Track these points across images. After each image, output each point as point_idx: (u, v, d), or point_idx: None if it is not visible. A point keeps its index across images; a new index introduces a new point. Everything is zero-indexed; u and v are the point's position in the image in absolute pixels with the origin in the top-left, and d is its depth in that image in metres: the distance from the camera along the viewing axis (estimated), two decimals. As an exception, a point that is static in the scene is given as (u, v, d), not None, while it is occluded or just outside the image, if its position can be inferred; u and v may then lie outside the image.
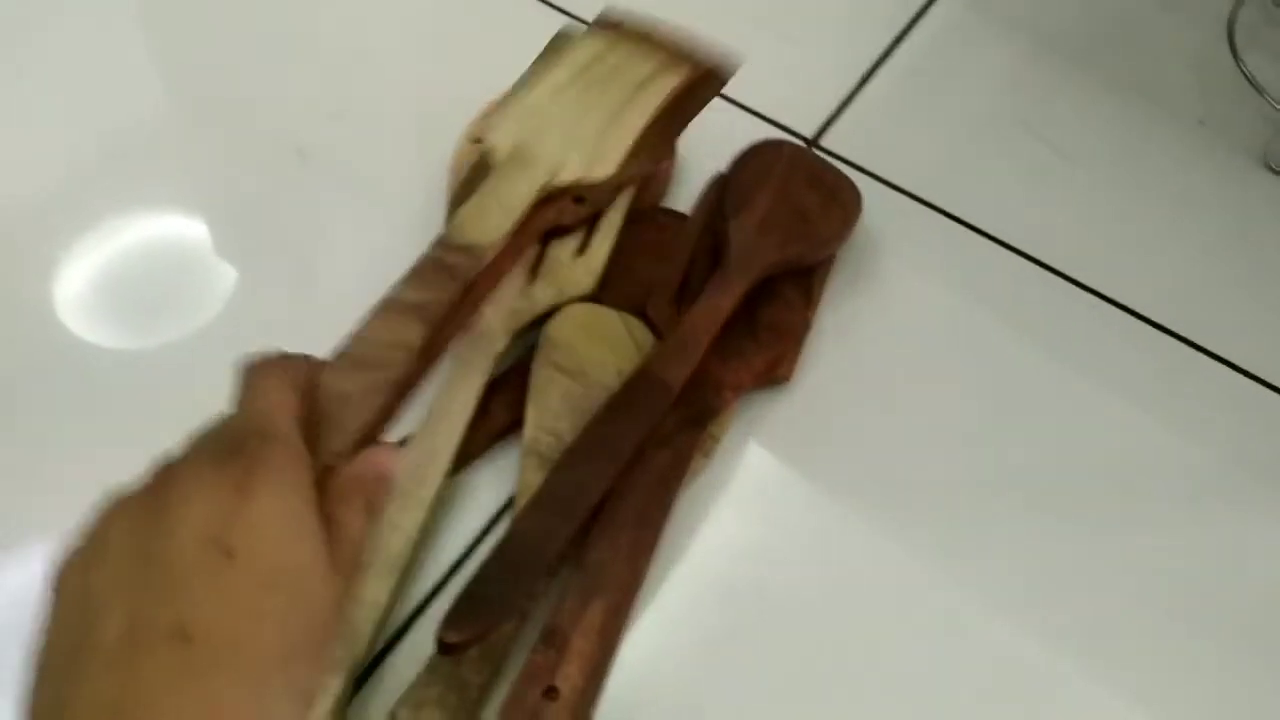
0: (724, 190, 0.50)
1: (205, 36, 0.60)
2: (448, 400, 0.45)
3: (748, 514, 0.45)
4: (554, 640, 0.39)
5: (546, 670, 0.38)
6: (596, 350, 0.46)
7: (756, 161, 0.51)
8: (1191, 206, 0.56)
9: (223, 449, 0.28)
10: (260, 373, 0.31)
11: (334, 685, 0.39)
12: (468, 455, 0.45)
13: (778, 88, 0.58)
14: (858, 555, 0.44)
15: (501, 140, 0.39)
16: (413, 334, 0.33)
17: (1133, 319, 0.52)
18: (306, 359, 0.32)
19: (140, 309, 0.50)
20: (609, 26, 0.43)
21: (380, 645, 0.41)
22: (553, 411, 0.44)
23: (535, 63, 0.42)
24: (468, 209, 0.37)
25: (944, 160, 0.56)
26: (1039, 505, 0.46)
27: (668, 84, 0.41)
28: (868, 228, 0.53)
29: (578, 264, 0.49)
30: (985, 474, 0.47)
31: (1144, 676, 0.42)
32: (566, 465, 0.41)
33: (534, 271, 0.48)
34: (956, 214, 0.54)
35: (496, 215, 0.37)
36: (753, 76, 0.56)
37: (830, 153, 0.56)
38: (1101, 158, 0.58)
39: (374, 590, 0.41)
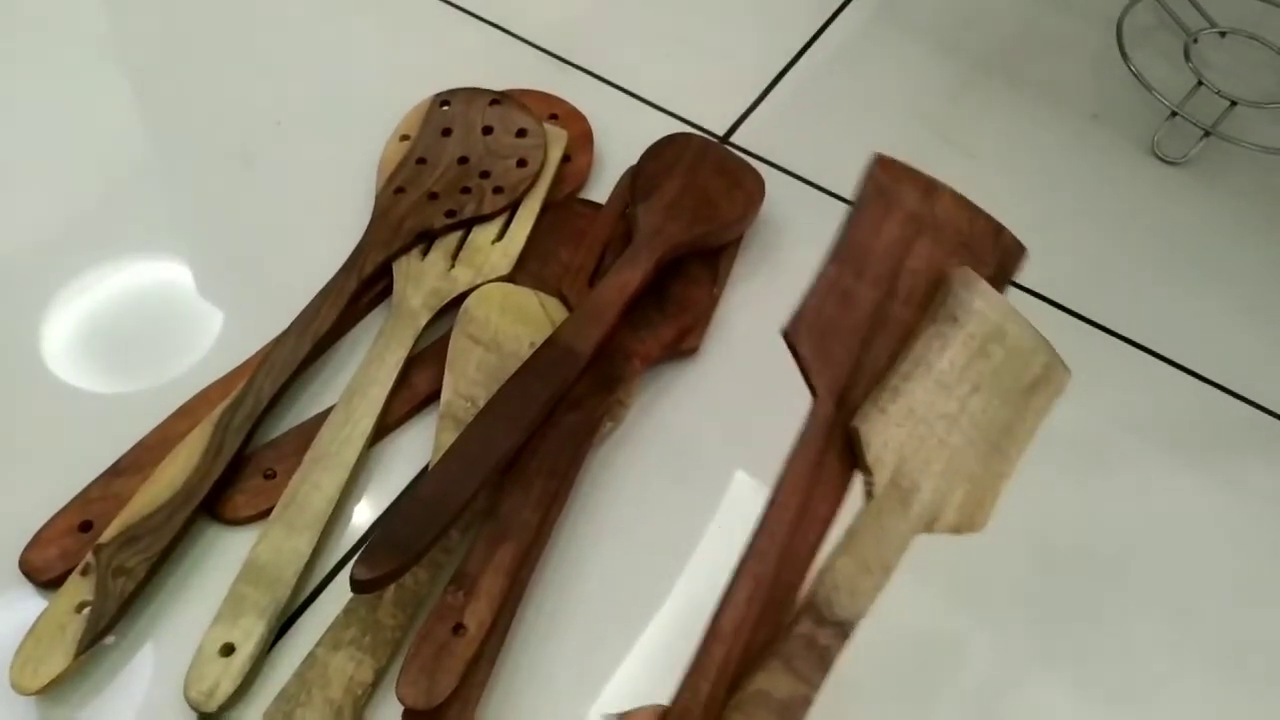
0: (635, 179, 0.53)
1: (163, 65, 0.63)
2: (370, 372, 0.47)
3: (655, 472, 0.47)
4: (463, 582, 0.41)
5: (455, 609, 0.40)
6: (511, 324, 0.49)
7: (666, 153, 0.55)
8: (1086, 194, 0.60)
9: None
10: None
11: (258, 629, 0.41)
12: (390, 423, 0.48)
13: (693, 89, 0.62)
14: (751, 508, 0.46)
15: (887, 456, 0.31)
16: None
17: (1030, 297, 0.55)
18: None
19: (122, 352, 0.50)
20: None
21: (304, 595, 0.43)
22: (469, 379, 0.47)
23: (926, 336, 0.33)
24: (845, 568, 0.30)
25: (845, 154, 0.58)
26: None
27: (1051, 397, 0.33)
28: (774, 215, 0.56)
29: (496, 249, 0.52)
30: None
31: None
32: (478, 423, 0.44)
33: (455, 256, 0.51)
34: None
35: (875, 577, 0.30)
36: (670, 79, 0.60)
37: (741, 148, 0.59)
38: (1000, 151, 0.61)
39: (297, 542, 0.43)
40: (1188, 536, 0.48)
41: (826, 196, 0.57)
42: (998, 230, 0.37)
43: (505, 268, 0.51)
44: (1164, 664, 0.44)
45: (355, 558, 0.39)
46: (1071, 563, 0.47)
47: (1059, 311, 0.54)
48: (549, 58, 0.62)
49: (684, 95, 0.61)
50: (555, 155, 0.55)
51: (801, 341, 0.33)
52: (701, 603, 0.42)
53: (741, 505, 0.47)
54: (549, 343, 0.46)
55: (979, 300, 0.34)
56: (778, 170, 0.58)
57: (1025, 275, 0.53)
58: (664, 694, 0.38)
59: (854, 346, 0.33)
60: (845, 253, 0.34)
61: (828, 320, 0.33)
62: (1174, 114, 0.61)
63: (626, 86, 0.61)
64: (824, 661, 0.29)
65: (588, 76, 0.61)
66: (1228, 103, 0.61)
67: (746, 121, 0.60)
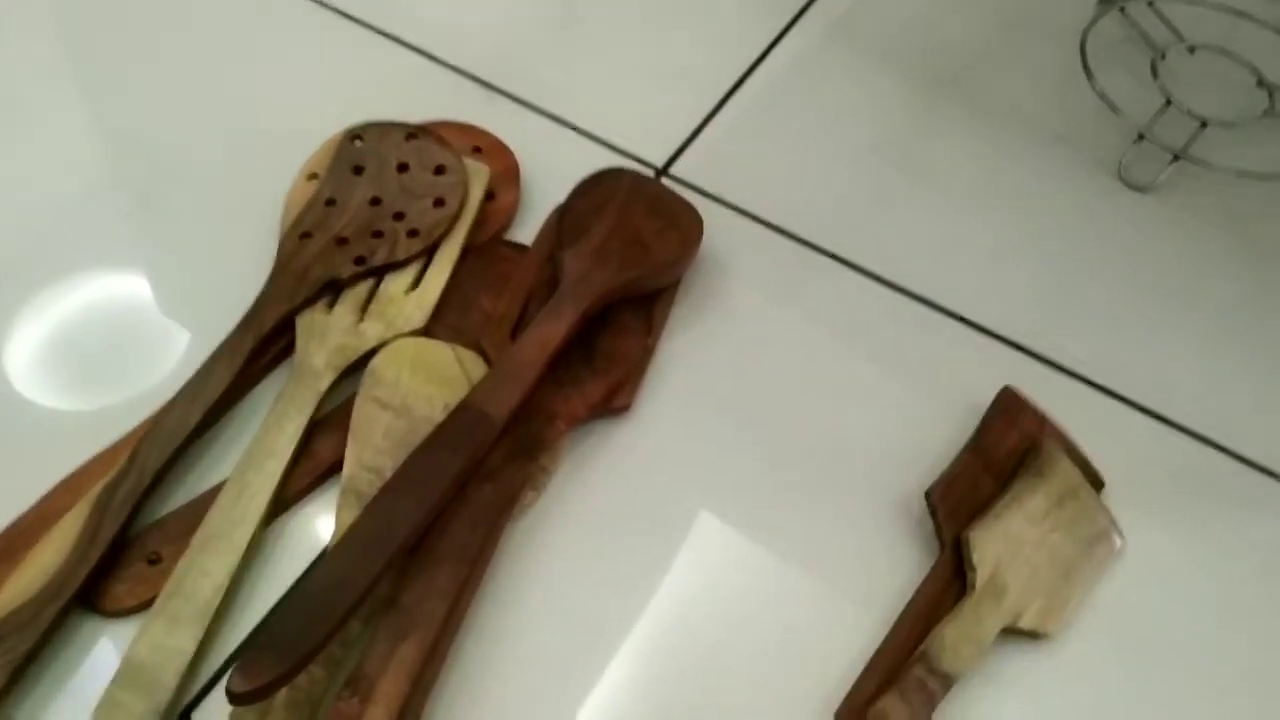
0: (562, 219, 0.49)
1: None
2: (267, 440, 0.43)
3: (583, 546, 0.44)
4: (359, 685, 0.37)
5: (350, 718, 0.36)
6: (424, 385, 0.45)
7: (596, 190, 0.51)
8: (1049, 222, 0.56)
9: None
10: None
11: (133, 740, 0.37)
12: (289, 497, 0.43)
13: (630, 117, 0.58)
14: (699, 583, 0.43)
15: (986, 561, 0.41)
16: None
17: (991, 340, 0.51)
18: None
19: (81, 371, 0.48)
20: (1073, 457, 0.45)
21: (189, 698, 0.39)
22: (374, 448, 0.43)
23: (1022, 481, 0.43)
24: (952, 635, 0.39)
25: (795, 186, 0.56)
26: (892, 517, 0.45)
27: (1108, 553, 0.44)
28: (716, 254, 0.52)
29: (409, 299, 0.48)
30: (830, 493, 0.46)
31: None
32: (378, 502, 0.39)
33: (365, 308, 0.47)
34: (806, 238, 0.54)
35: (973, 647, 0.40)
36: (605, 106, 0.56)
37: (681, 181, 0.55)
38: (959, 178, 0.58)
39: (180, 639, 0.39)
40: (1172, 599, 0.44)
41: (774, 233, 0.54)
42: (1086, 461, 0.46)
43: (419, 320, 0.47)
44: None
45: (233, 666, 0.35)
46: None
47: (1019, 353, 0.51)
48: (473, 84, 0.58)
49: (620, 124, 0.57)
50: (477, 193, 0.51)
51: (939, 506, 0.43)
52: (638, 691, 0.39)
53: (680, 578, 0.43)
54: (461, 407, 0.43)
55: (1061, 465, 0.44)
56: (721, 205, 0.54)
57: (978, 310, 0.51)
58: None
59: (972, 514, 0.43)
60: (979, 447, 0.45)
61: (959, 494, 0.43)
62: (1141, 137, 0.57)
63: (557, 114, 0.57)
64: (930, 700, 0.38)
65: (515, 104, 0.57)
66: (1198, 123, 0.58)
67: (687, 151, 0.57)
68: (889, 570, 0.44)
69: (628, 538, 0.44)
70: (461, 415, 0.42)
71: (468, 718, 0.40)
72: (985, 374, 0.49)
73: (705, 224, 0.51)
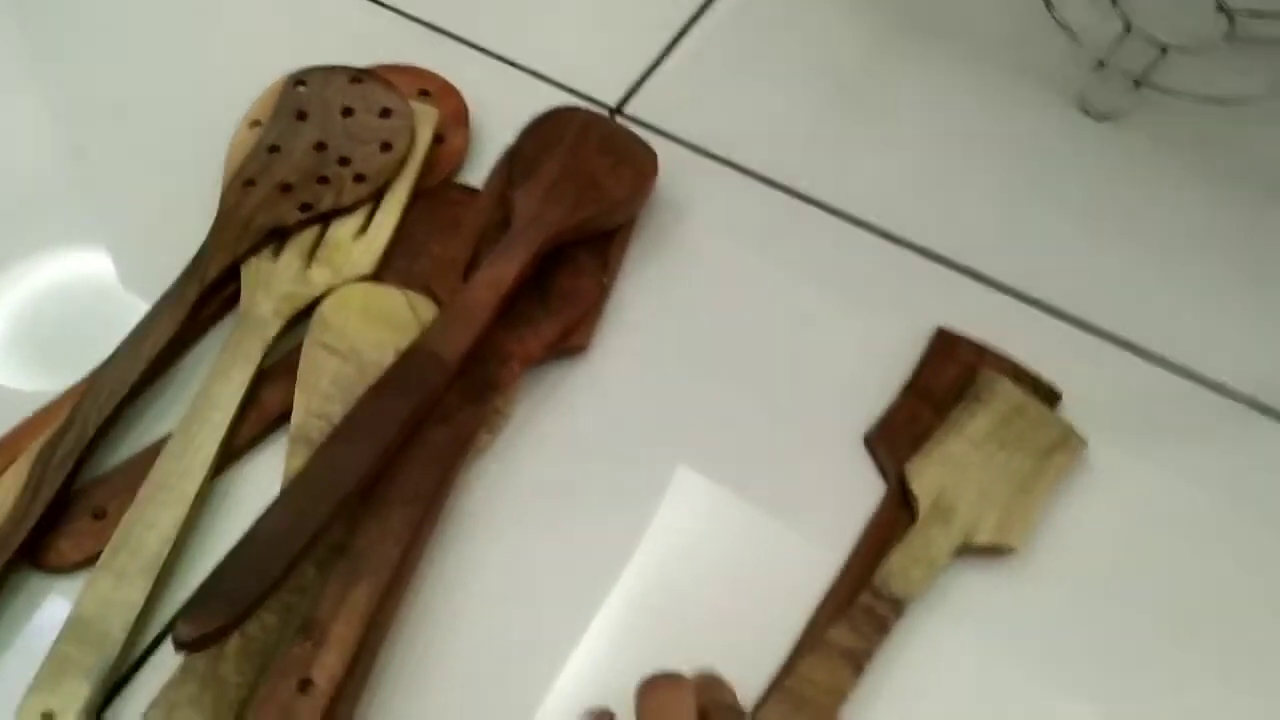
0: (512, 160, 0.48)
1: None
2: (213, 390, 0.42)
3: (540, 488, 0.43)
4: (311, 630, 0.36)
5: (302, 662, 0.36)
6: (373, 330, 0.44)
7: (546, 130, 0.49)
8: (1009, 152, 0.56)
9: None
10: (660, 700, 0.32)
11: (81, 693, 0.36)
12: (237, 448, 0.42)
13: (582, 56, 0.57)
14: (657, 522, 0.43)
15: (927, 487, 0.41)
16: (847, 681, 0.37)
17: (952, 270, 0.51)
18: (703, 681, 0.34)
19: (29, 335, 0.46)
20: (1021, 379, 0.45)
21: (138, 652, 0.38)
22: (322, 395, 0.42)
23: (960, 408, 0.44)
24: (898, 561, 0.40)
25: (750, 122, 0.55)
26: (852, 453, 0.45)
27: (1069, 459, 0.43)
28: (672, 192, 0.51)
29: (357, 245, 0.47)
30: (789, 431, 0.45)
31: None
32: (326, 447, 0.39)
33: (312, 255, 0.46)
34: (762, 174, 0.53)
35: (923, 568, 0.40)
36: (556, 46, 0.55)
37: (635, 120, 0.54)
38: (918, 112, 0.57)
39: (127, 592, 0.38)
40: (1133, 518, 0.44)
41: (730, 170, 0.53)
42: (1035, 379, 0.46)
43: (368, 266, 0.46)
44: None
45: (179, 613, 0.34)
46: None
47: (989, 287, 0.50)
48: (420, 26, 0.57)
49: (571, 63, 0.56)
50: (425, 136, 0.49)
51: (879, 448, 0.44)
52: (597, 628, 0.38)
53: (638, 517, 0.42)
54: (411, 350, 0.42)
55: (1000, 387, 0.44)
56: (676, 143, 0.53)
57: (942, 243, 0.51)
58: None
59: (916, 448, 0.43)
60: (915, 387, 0.45)
61: (898, 432, 0.44)
62: (1101, 64, 0.56)
63: (507, 56, 0.56)
64: (881, 626, 0.39)
65: (463, 46, 0.56)
66: (1158, 49, 0.57)
67: (641, 90, 0.56)
68: (849, 504, 0.43)
69: (585, 478, 0.44)
70: (412, 358, 0.41)
71: (425, 660, 0.39)
72: (946, 304, 0.49)
73: (660, 162, 0.50)
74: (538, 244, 0.45)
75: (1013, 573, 0.42)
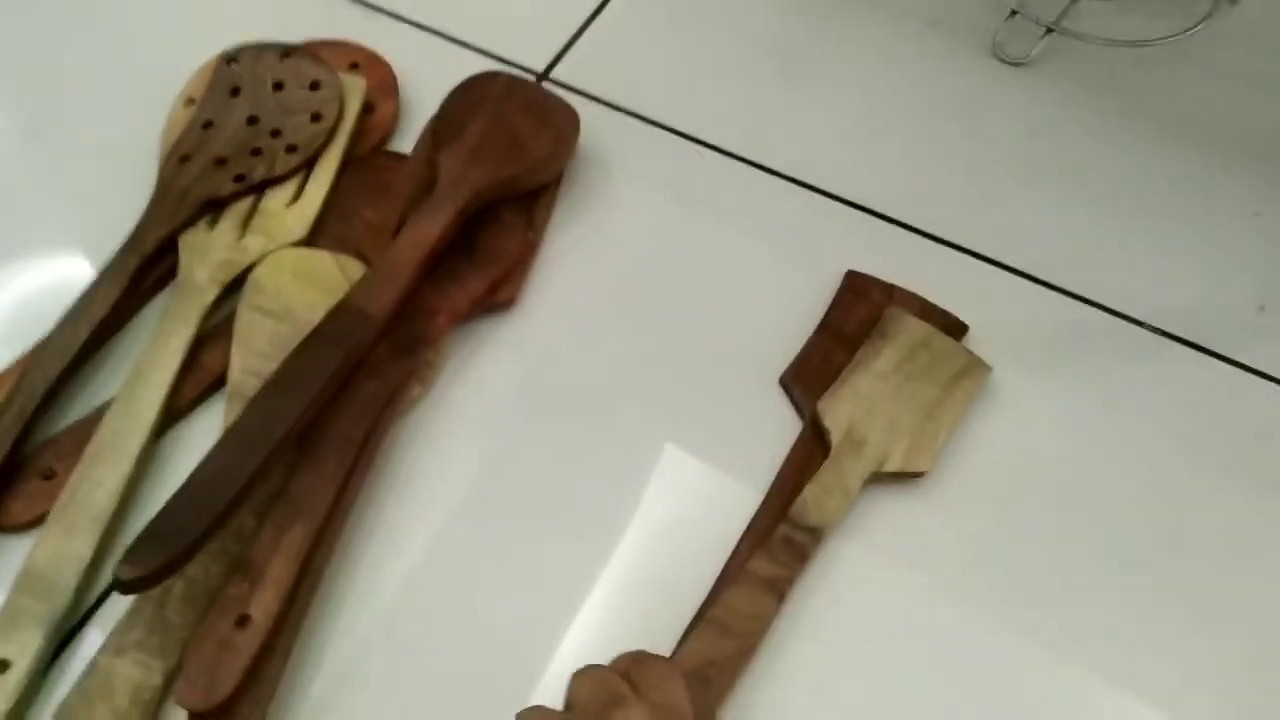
0: (437, 124, 0.50)
1: None
2: (154, 354, 0.44)
3: (472, 436, 0.45)
4: (248, 570, 0.38)
5: (239, 600, 0.38)
6: (306, 292, 0.46)
7: (470, 94, 0.51)
8: (926, 102, 0.57)
9: None
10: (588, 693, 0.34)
11: (34, 642, 0.38)
12: (179, 409, 0.45)
13: (508, 24, 0.58)
14: (581, 469, 0.45)
15: (838, 421, 0.43)
16: (769, 608, 0.39)
17: (869, 216, 0.52)
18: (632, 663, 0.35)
19: None
20: (925, 315, 0.47)
21: (89, 602, 0.40)
22: (258, 353, 0.44)
23: (866, 345, 0.45)
24: (813, 491, 0.41)
25: (676, 83, 0.57)
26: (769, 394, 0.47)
27: (975, 385, 0.45)
28: (601, 153, 0.53)
29: (290, 212, 0.49)
30: (712, 375, 0.47)
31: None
32: (259, 399, 0.41)
33: (246, 224, 0.48)
34: (689, 132, 0.55)
35: (838, 497, 0.41)
36: (482, 14, 0.57)
37: (563, 84, 0.56)
38: (837, 67, 0.58)
39: (77, 545, 0.40)
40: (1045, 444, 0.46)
41: (655, 129, 0.55)
42: (942, 313, 0.47)
43: (301, 231, 0.48)
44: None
45: (122, 555, 0.36)
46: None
47: (904, 230, 0.52)
48: (350, 2, 0.59)
49: (498, 31, 0.58)
50: (354, 106, 0.51)
51: (794, 388, 0.45)
52: (528, 574, 0.41)
53: (565, 465, 0.44)
54: (339, 307, 0.44)
55: (905, 322, 0.46)
56: (601, 104, 0.55)
57: (858, 192, 0.52)
58: (490, 681, 0.38)
59: (829, 387, 0.45)
60: (826, 328, 0.47)
61: (811, 372, 0.45)
62: (1014, 12, 0.58)
63: (434, 26, 0.58)
64: (800, 554, 0.40)
65: (392, 19, 0.58)
66: (1070, -4, 0.59)
67: (568, 55, 0.57)
68: (768, 442, 0.45)
69: (515, 429, 0.45)
70: (339, 314, 0.43)
71: (358, 598, 0.41)
72: (860, 248, 0.51)
73: (588, 124, 0.52)
74: (461, 203, 0.47)
75: (924, 496, 0.44)
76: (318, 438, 0.42)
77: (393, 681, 0.40)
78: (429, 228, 0.46)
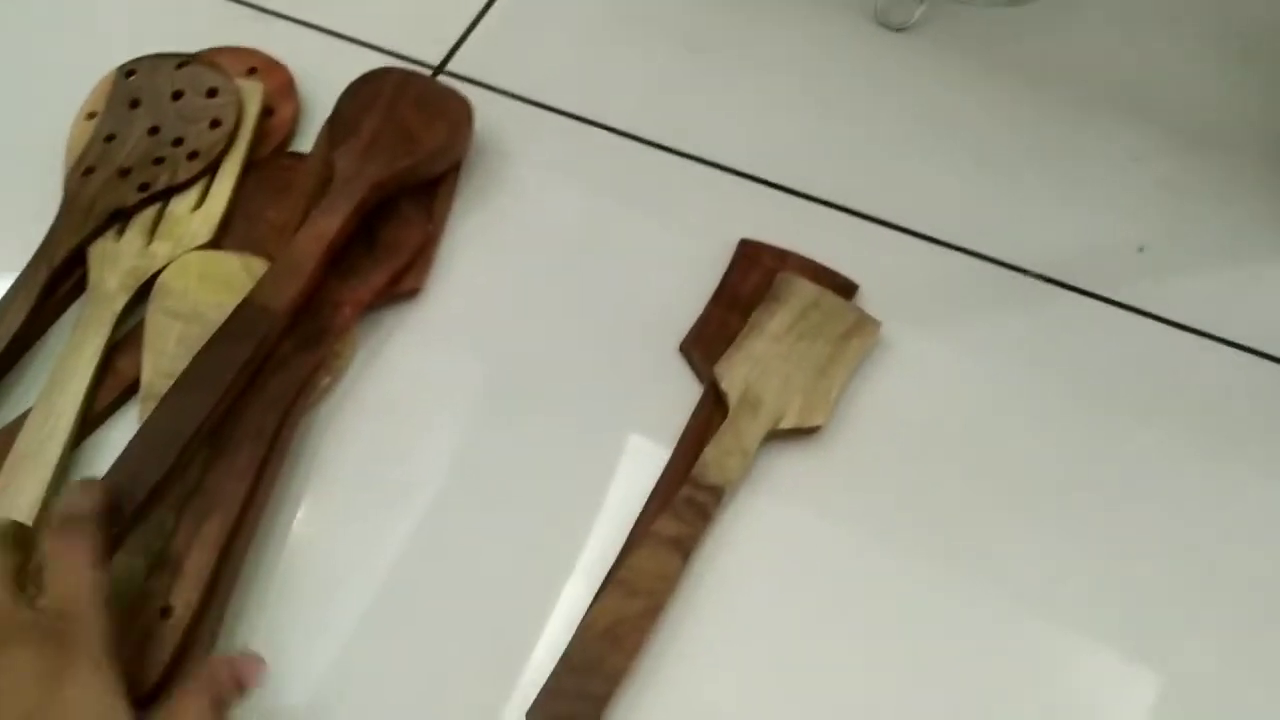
0: (332, 124, 0.51)
1: None
2: (69, 363, 0.45)
3: (383, 421, 0.47)
4: (168, 563, 0.40)
5: (160, 592, 0.39)
6: (213, 293, 0.47)
7: (362, 91, 0.52)
8: (813, 71, 0.59)
9: (36, 636, 0.32)
10: (65, 545, 0.35)
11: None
12: (96, 416, 0.46)
13: (402, 20, 0.59)
14: (491, 448, 0.46)
15: (735, 384, 0.45)
16: (674, 566, 0.40)
17: (762, 186, 0.54)
18: (101, 516, 0.36)
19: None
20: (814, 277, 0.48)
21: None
22: (169, 355, 0.45)
23: (759, 309, 0.47)
24: (713, 453, 0.43)
25: (572, 68, 0.58)
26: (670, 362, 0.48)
27: (865, 340, 0.47)
28: (499, 141, 0.55)
29: (195, 217, 0.50)
30: (614, 348, 0.49)
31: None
32: (168, 397, 0.42)
33: (153, 231, 0.49)
34: (583, 114, 0.56)
35: (737, 457, 0.43)
36: (376, 12, 0.58)
37: (459, 76, 0.57)
38: (724, 43, 0.60)
39: (-1, 553, 0.41)
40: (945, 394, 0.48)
41: (554, 115, 0.56)
42: (832, 274, 0.49)
43: (206, 235, 0.49)
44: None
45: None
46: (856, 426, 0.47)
47: (795, 197, 0.53)
48: (245, 8, 0.60)
49: (393, 27, 0.59)
50: (252, 111, 0.53)
51: (693, 354, 0.47)
52: (442, 550, 0.43)
53: (476, 445, 0.46)
54: (243, 304, 0.45)
55: (796, 285, 0.48)
56: (500, 94, 0.57)
57: (753, 164, 0.54)
58: (401, 660, 0.40)
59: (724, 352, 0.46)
60: (721, 295, 0.49)
61: (709, 338, 0.47)
62: (895, -21, 0.60)
63: (330, 27, 0.59)
64: (703, 513, 0.42)
65: (287, 22, 0.59)
66: (947, -39, 0.60)
67: (463, 47, 0.59)
68: (670, 408, 0.47)
69: (426, 413, 0.47)
70: (243, 311, 0.44)
71: (281, 585, 0.43)
72: (752, 216, 0.52)
73: (486, 113, 0.54)
74: (358, 198, 0.48)
75: (821, 450, 0.46)
76: (230, 431, 0.43)
77: (317, 665, 0.41)
78: (327, 223, 0.47)
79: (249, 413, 0.43)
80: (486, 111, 0.54)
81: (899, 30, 0.60)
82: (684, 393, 0.47)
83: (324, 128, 0.53)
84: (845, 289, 0.49)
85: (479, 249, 0.51)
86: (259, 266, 0.48)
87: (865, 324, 0.48)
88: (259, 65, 0.55)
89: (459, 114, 0.52)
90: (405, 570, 0.43)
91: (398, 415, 0.47)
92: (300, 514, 0.44)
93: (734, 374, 0.45)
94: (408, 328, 0.49)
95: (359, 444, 0.46)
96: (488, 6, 0.60)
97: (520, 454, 0.46)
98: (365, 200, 0.48)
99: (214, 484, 0.42)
